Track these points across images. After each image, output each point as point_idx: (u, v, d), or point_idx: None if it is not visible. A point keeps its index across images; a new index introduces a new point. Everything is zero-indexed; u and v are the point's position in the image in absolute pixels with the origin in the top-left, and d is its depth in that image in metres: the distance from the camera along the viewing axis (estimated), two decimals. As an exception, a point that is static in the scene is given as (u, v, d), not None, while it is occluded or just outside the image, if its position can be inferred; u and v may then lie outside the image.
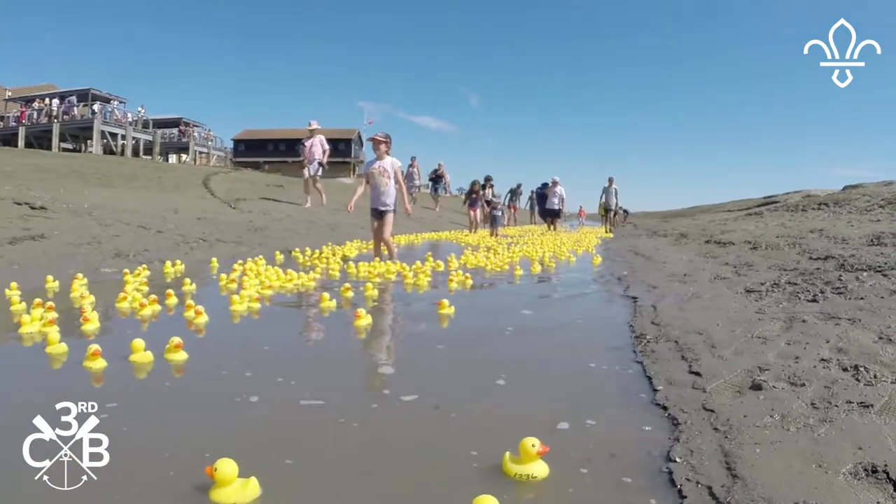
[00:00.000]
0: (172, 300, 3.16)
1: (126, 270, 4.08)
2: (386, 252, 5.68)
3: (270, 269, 4.45)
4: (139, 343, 2.14)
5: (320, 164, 10.24)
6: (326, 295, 3.34)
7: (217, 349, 2.47)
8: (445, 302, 3.19)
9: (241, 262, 4.79)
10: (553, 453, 1.34)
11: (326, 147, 10.33)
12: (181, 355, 2.16)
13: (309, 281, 4.12)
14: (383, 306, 3.65)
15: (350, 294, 3.58)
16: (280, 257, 5.76)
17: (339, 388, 1.98)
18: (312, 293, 3.83)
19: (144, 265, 4.43)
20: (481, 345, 2.67)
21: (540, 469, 1.31)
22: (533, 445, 1.30)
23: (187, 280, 3.81)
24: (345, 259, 5.63)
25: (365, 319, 2.85)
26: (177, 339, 2.16)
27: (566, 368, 2.28)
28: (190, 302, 2.93)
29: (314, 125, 10.27)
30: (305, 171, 10.37)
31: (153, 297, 3.11)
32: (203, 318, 2.80)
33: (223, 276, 4.02)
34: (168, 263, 4.63)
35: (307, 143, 10.26)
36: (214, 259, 5.12)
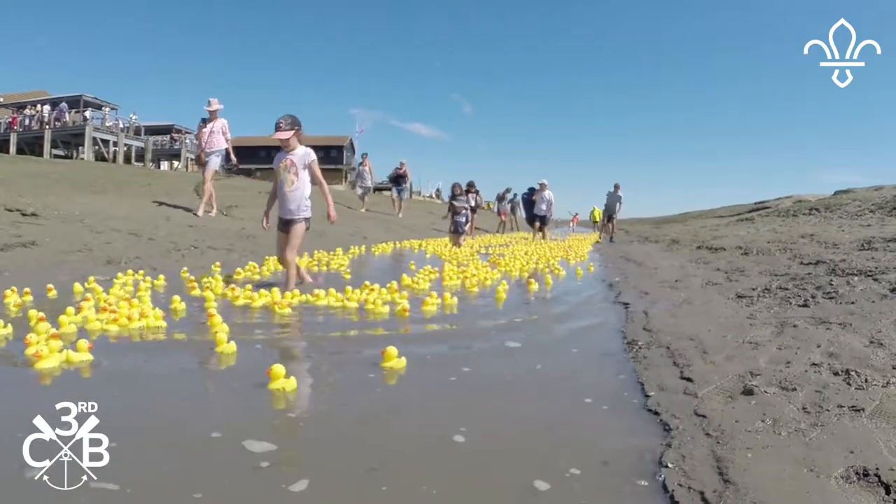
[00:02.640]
0: None
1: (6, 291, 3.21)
2: (292, 272, 4.09)
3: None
4: None
5: (229, 156, 7.80)
6: (223, 337, 2.38)
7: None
8: (393, 353, 2.22)
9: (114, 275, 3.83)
10: (539, 463, 1.31)
11: (229, 135, 7.73)
12: None
13: (157, 320, 2.80)
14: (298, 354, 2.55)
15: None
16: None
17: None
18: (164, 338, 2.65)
19: (28, 289, 3.32)
20: (439, 378, 2.15)
21: None
22: None
23: None
24: (228, 282, 4.24)
25: (288, 384, 1.91)
26: None
27: (553, 375, 2.26)
28: None
29: (215, 105, 7.59)
30: (208, 165, 7.64)
31: None
32: None
33: (32, 312, 2.66)
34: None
35: (206, 128, 7.59)
36: (91, 278, 3.90)
